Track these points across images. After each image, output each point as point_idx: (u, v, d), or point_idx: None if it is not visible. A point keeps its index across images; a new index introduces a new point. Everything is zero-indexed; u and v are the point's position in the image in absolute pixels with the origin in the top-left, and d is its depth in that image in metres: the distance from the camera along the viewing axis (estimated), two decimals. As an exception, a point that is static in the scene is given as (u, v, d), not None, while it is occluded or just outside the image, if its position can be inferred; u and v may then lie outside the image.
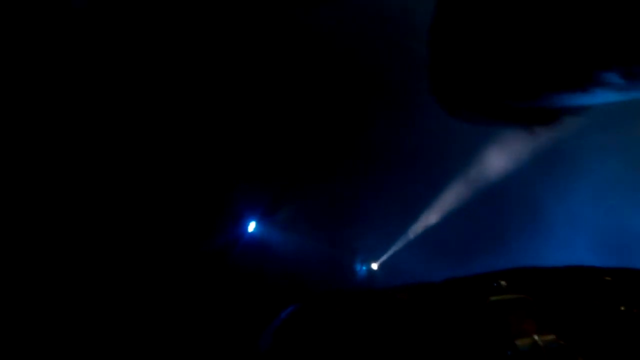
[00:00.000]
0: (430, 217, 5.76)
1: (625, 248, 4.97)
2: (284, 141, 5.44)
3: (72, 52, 4.61)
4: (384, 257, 5.93)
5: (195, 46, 4.89)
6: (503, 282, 1.10)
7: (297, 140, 5.45)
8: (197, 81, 5.03)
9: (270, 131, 5.36)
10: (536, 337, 1.04)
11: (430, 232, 5.74)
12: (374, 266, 5.97)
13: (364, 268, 5.98)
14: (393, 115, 5.48)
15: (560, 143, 5.17)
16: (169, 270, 5.08)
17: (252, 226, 5.62)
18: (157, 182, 5.09)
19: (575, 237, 5.28)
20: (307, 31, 5.03)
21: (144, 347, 4.75)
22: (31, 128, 4.58)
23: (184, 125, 5.11)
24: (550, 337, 1.05)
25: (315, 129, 5.43)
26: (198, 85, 5.05)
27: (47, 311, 4.48)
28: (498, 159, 5.52)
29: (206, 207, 5.30)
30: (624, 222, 5.22)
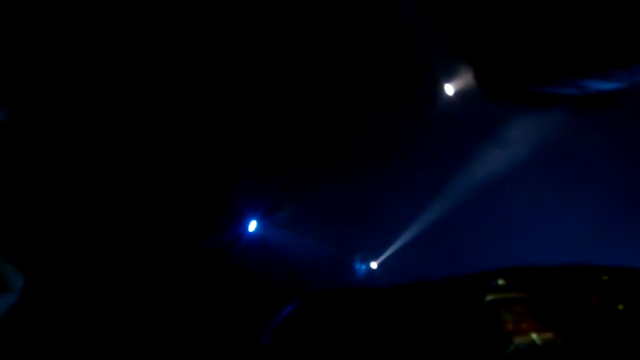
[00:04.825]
0: (430, 216, 5.76)
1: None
2: (284, 140, 5.43)
3: (73, 52, 4.61)
4: (383, 256, 5.93)
5: (193, 39, 4.89)
6: (501, 281, 1.10)
7: (297, 139, 5.45)
8: (197, 75, 5.02)
9: (270, 129, 5.35)
10: (534, 336, 1.05)
11: (429, 231, 5.74)
12: (374, 265, 5.97)
13: (364, 267, 5.98)
14: (393, 114, 5.48)
15: (562, 141, 5.17)
16: (168, 270, 5.07)
17: (252, 225, 5.62)
18: (154, 180, 5.08)
19: (575, 236, 5.28)
20: (309, 28, 5.03)
21: (143, 347, 4.75)
22: (29, 126, 4.58)
23: (183, 121, 5.10)
24: (549, 335, 1.05)
25: (316, 128, 5.43)
26: (198, 79, 5.04)
27: (42, 310, 4.47)
28: (499, 158, 5.52)
29: (206, 205, 5.30)
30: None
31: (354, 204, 5.68)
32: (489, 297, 1.11)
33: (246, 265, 5.43)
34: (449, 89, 5.51)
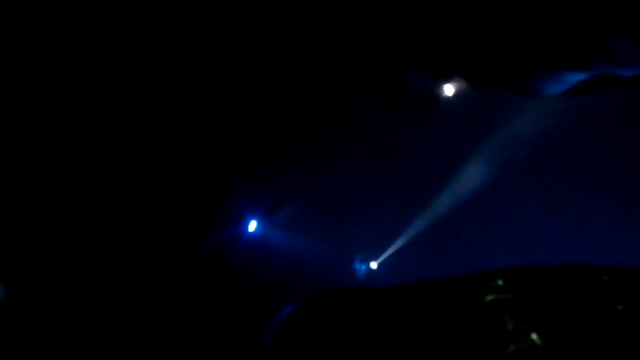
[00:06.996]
0: (430, 216, 5.76)
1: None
2: (284, 140, 5.44)
3: (73, 52, 4.61)
4: (383, 257, 5.93)
5: (192, 39, 4.89)
6: (501, 281, 1.10)
7: (297, 140, 5.45)
8: (197, 75, 5.02)
9: (271, 130, 5.35)
10: (534, 336, 1.05)
11: (429, 231, 5.74)
12: (374, 265, 5.97)
13: (363, 267, 5.98)
14: (393, 114, 5.48)
15: (561, 141, 5.17)
16: (168, 270, 5.08)
17: (252, 225, 5.62)
18: (152, 179, 5.08)
19: (575, 235, 5.28)
20: (309, 28, 5.03)
21: (143, 348, 4.75)
22: (29, 127, 4.59)
23: (181, 119, 5.10)
24: (549, 335, 1.05)
25: (316, 128, 5.43)
26: (198, 80, 5.04)
27: (40, 312, 4.47)
28: (499, 158, 5.52)
29: (206, 205, 5.30)
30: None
31: (354, 203, 5.69)
32: (489, 297, 1.11)
33: (246, 265, 5.43)
34: (449, 89, 5.51)
